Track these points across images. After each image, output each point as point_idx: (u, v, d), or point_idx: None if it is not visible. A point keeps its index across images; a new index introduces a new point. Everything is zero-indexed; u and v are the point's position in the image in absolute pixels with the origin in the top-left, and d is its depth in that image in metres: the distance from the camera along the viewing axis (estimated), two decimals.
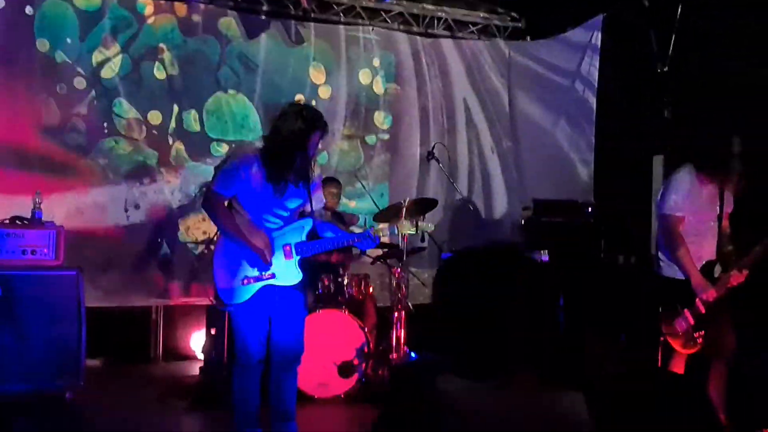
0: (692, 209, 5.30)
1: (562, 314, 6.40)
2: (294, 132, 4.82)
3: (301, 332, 5.12)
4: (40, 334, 6.20)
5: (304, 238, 5.07)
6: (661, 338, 5.32)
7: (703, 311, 5.19)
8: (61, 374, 6.27)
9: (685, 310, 5.23)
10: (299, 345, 5.10)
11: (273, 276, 4.94)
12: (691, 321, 5.22)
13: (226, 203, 4.98)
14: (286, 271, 4.98)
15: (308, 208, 5.07)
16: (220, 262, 4.97)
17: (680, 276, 5.28)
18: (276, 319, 5.04)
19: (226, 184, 4.92)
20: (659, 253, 5.49)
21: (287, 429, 5.08)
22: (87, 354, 6.42)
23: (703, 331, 5.20)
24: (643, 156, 8.04)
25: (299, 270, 5.00)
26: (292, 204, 5.02)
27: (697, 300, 5.20)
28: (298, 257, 5.01)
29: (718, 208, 5.35)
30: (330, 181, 7.74)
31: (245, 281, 4.92)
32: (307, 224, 5.09)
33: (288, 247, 4.99)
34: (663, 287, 5.42)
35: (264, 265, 4.90)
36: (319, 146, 5.08)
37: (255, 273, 4.92)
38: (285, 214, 5.02)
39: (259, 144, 5.03)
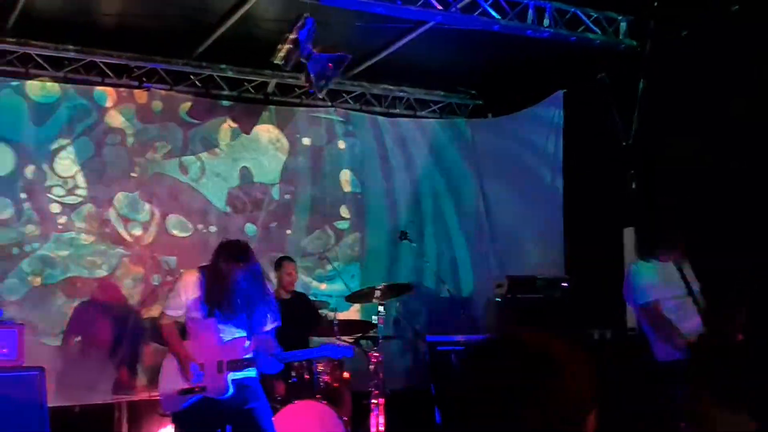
0: (661, 292, 5.36)
1: None
2: (219, 269, 5.15)
3: None
4: None
5: (241, 355, 5.25)
6: None
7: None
8: None
9: None
10: None
11: (204, 389, 5.14)
12: None
13: (173, 322, 5.39)
14: (216, 385, 5.16)
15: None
16: (164, 371, 5.35)
17: (677, 356, 5.23)
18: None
19: (172, 305, 5.36)
20: (651, 341, 5.47)
21: None
22: None
23: None
24: (613, 229, 8.00)
25: (231, 385, 5.17)
26: (233, 328, 5.24)
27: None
28: (230, 373, 5.16)
29: (683, 285, 5.41)
30: (285, 261, 7.70)
31: (180, 392, 5.19)
32: (243, 343, 5.26)
33: (222, 363, 5.18)
34: (663, 372, 5.35)
35: (194, 377, 5.16)
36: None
37: (187, 385, 5.18)
38: (224, 335, 5.25)
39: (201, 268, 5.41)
